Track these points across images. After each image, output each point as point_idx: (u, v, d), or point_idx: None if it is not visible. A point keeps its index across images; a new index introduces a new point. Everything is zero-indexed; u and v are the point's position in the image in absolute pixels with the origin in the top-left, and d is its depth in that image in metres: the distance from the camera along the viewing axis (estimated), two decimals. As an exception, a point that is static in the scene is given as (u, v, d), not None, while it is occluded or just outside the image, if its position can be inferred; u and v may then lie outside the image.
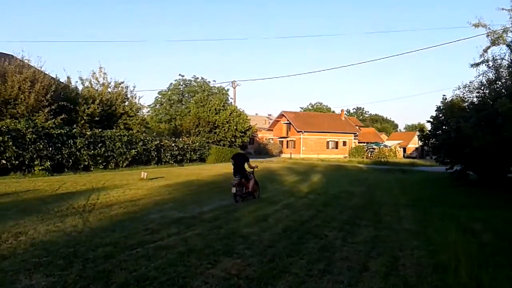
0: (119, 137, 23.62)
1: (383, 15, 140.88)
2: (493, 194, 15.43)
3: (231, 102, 52.38)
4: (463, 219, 9.45)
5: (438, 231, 7.69)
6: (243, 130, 43.72)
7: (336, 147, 65.50)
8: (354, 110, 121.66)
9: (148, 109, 57.93)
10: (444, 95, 22.63)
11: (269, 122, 78.70)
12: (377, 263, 5.52)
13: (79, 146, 20.14)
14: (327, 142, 65.11)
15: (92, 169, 21.19)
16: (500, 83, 17.57)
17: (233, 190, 11.34)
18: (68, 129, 19.92)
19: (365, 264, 5.45)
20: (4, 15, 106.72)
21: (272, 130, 73.43)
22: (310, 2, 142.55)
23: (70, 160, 19.77)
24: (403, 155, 69.34)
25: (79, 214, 8.17)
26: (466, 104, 19.62)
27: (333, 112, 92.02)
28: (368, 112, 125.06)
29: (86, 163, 20.84)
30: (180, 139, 34.85)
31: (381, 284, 4.66)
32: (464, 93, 19.74)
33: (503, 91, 16.08)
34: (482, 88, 18.33)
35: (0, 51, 23.42)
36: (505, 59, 18.14)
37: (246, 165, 12.31)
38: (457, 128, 17.28)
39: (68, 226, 7.05)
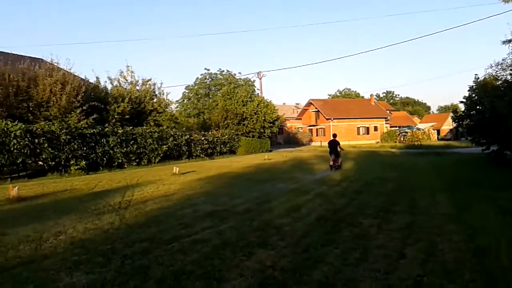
0: (150, 133, 23.97)
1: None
2: (533, 174, 14.90)
3: (258, 93, 52.30)
4: (502, 201, 9.12)
5: (476, 215, 7.46)
6: (271, 121, 43.57)
7: (367, 133, 64.57)
8: (384, 94, 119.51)
9: (177, 104, 58.89)
10: (476, 75, 22.08)
11: (297, 111, 78.22)
12: (414, 249, 5.42)
13: (112, 145, 20.60)
14: (358, 128, 64.23)
15: (125, 166, 21.66)
16: (534, 58, 16.93)
17: (331, 163, 17.89)
18: (100, 129, 20.39)
19: (402, 251, 5.35)
20: (31, 20, 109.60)
21: (300, 119, 72.99)
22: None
23: (104, 159, 20.27)
24: (437, 137, 67.93)
25: (115, 211, 8.33)
26: (500, 82, 19.06)
27: (362, 97, 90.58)
28: (398, 95, 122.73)
29: (120, 160, 21.31)
30: (210, 133, 35.06)
31: (419, 270, 4.57)
32: (497, 71, 19.21)
33: (538, 66, 15.49)
34: (516, 65, 17.72)
35: (30, 56, 24.12)
36: (539, 33, 17.45)
37: (338, 148, 18.00)
38: (492, 107, 16.77)
39: (105, 223, 7.21)
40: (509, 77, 18.34)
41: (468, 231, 6.30)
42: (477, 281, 4.23)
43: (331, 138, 18.98)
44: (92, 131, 19.60)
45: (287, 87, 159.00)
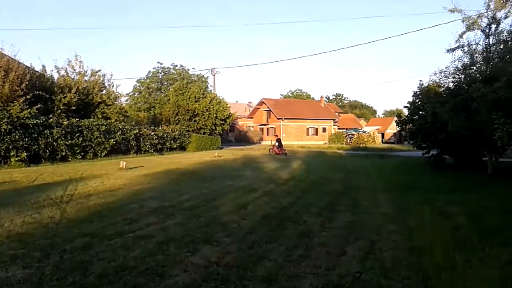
0: (97, 126, 23.24)
1: (360, 3, 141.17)
2: (469, 178, 15.77)
3: (210, 90, 52.02)
4: (439, 203, 9.64)
5: (414, 215, 7.84)
6: (223, 118, 43.48)
7: (316, 134, 65.87)
8: (334, 97, 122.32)
9: (127, 97, 57.48)
10: (420, 81, 22.94)
11: (249, 110, 78.55)
12: (355, 247, 5.62)
13: (56, 136, 19.78)
14: (307, 129, 65.39)
15: (70, 159, 20.88)
16: (475, 68, 17.81)
17: (278, 151, 30.34)
18: (44, 119, 19.49)
19: (343, 248, 5.54)
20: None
21: (252, 117, 73.33)
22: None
23: (47, 151, 19.40)
24: (382, 140, 70.32)
25: (56, 205, 8.06)
26: (442, 89, 19.86)
27: (313, 98, 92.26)
28: (347, 98, 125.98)
29: (64, 153, 20.48)
30: (160, 128, 34.54)
31: (358, 267, 4.74)
32: (440, 78, 19.93)
33: (478, 76, 16.31)
34: (458, 73, 18.55)
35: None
36: (480, 44, 18.37)
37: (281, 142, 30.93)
38: (433, 113, 17.54)
39: (45, 217, 6.95)
40: (451, 84, 19.15)
41: (406, 231, 6.62)
42: (412, 278, 4.44)
43: (277, 138, 33.30)
44: (35, 122, 18.68)
45: (240, 85, 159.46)
